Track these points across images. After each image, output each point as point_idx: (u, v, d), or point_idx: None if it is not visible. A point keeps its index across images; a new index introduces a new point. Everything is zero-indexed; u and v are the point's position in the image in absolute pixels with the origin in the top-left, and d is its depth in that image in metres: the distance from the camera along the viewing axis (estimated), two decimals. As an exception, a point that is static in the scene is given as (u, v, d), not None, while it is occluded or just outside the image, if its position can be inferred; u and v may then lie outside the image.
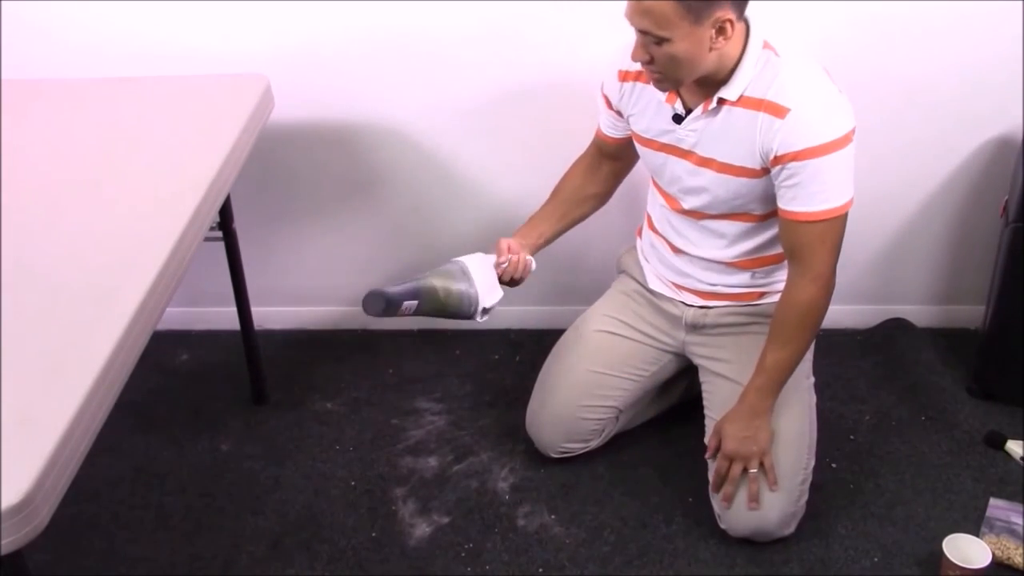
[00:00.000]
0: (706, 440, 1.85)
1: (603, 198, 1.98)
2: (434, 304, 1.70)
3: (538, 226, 1.90)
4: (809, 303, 1.71)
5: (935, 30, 1.99)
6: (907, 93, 2.07)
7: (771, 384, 1.76)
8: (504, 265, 1.79)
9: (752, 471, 1.75)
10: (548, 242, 1.91)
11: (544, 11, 1.99)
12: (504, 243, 1.83)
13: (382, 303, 1.63)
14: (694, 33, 1.50)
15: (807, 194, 1.61)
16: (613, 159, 1.93)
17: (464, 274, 1.73)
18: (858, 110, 2.04)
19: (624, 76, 1.77)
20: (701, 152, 1.70)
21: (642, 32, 1.53)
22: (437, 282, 1.70)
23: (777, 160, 1.61)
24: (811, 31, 1.98)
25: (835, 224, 1.65)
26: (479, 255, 1.79)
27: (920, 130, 2.12)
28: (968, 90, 2.05)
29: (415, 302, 1.67)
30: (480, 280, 1.74)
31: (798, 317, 1.73)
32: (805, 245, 1.67)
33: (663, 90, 1.67)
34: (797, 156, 1.58)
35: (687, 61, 1.54)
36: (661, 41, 1.51)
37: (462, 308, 1.72)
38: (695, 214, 1.79)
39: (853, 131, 1.61)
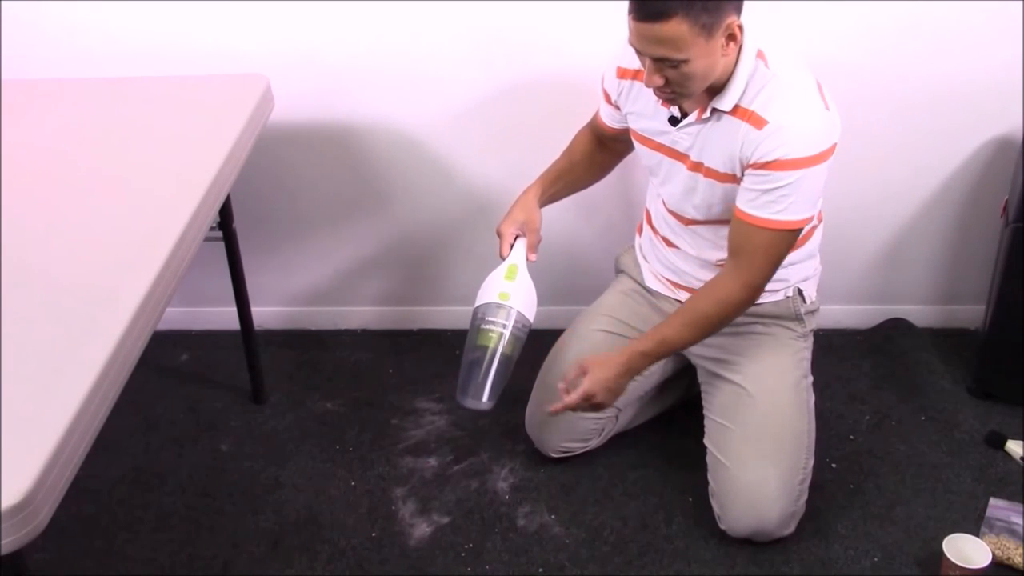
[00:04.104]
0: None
1: (608, 170, 1.99)
2: (510, 360, 1.71)
3: (555, 183, 1.90)
4: (733, 305, 1.71)
5: (935, 31, 1.99)
6: (908, 93, 2.07)
7: (658, 354, 1.78)
8: (534, 257, 1.81)
9: (605, 414, 1.93)
10: (554, 201, 1.92)
11: (545, 11, 1.99)
12: (511, 232, 1.80)
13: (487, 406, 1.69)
14: (709, 47, 1.49)
15: (765, 201, 1.60)
16: (613, 141, 1.92)
17: (507, 311, 1.72)
18: (859, 110, 2.04)
19: (623, 74, 1.76)
20: (695, 156, 1.70)
21: (658, 60, 1.51)
22: (507, 351, 1.70)
23: (748, 166, 1.61)
24: (812, 32, 1.98)
25: (784, 237, 1.64)
26: (515, 276, 1.76)
27: (920, 130, 2.11)
28: (968, 90, 2.05)
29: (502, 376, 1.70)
30: (521, 301, 1.74)
31: (716, 313, 1.73)
32: (749, 251, 1.67)
33: (674, 104, 1.66)
34: (767, 166, 1.58)
35: (703, 76, 1.54)
36: (679, 64, 1.50)
37: (525, 338, 1.75)
38: (686, 220, 1.80)
39: (830, 150, 1.59)
